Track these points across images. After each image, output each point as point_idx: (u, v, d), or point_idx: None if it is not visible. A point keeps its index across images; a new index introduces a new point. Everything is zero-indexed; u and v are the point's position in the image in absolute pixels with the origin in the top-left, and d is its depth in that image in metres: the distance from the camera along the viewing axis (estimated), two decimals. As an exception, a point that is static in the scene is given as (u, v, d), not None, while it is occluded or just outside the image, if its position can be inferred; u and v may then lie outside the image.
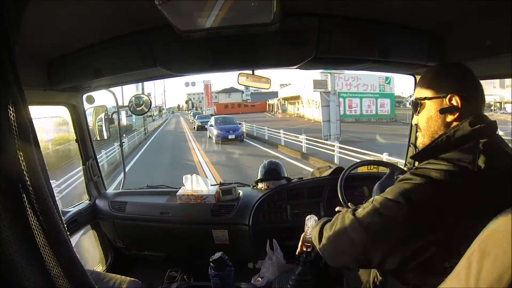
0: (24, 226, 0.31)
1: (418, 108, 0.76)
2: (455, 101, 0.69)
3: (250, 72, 1.31)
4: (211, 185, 1.76)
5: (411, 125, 1.66)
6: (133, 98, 1.80)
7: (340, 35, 1.08)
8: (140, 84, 19.24)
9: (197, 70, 1.23)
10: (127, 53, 1.14)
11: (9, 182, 0.31)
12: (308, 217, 1.08)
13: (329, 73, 11.58)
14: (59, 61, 1.21)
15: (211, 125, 13.87)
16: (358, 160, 1.68)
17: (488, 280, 0.45)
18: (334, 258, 0.79)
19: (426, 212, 0.64)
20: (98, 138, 1.70)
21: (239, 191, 1.73)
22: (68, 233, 0.36)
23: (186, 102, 65.29)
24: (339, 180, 1.42)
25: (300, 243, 1.11)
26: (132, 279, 1.32)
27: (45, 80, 1.23)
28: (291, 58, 1.14)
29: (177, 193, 1.69)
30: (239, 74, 1.34)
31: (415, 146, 1.61)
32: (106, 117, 1.67)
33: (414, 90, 1.67)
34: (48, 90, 1.28)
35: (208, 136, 14.32)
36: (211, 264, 1.12)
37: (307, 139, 9.02)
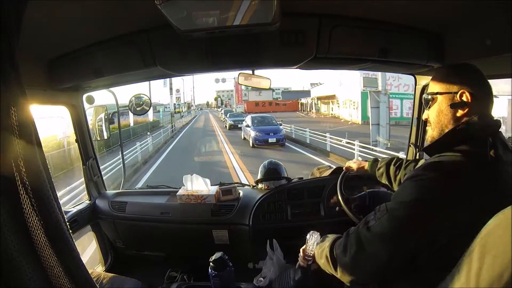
0: (25, 226, 0.31)
1: (430, 103, 0.79)
2: (466, 97, 0.72)
3: (250, 72, 1.31)
4: (212, 185, 1.76)
5: (411, 125, 1.66)
6: (133, 98, 1.80)
7: (340, 35, 1.08)
8: (168, 80, 18.53)
9: (197, 70, 1.23)
10: (127, 53, 1.14)
11: (10, 182, 0.31)
12: (310, 233, 1.05)
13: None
14: (59, 61, 1.21)
15: (247, 126, 11.95)
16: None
17: (489, 278, 0.45)
18: (357, 278, 0.75)
19: (445, 205, 0.64)
20: (98, 138, 1.70)
21: (239, 191, 1.73)
22: (70, 231, 0.36)
23: (215, 99, 65.25)
24: (339, 180, 1.42)
25: (301, 257, 1.07)
26: (132, 279, 1.32)
27: (45, 80, 1.23)
28: (291, 58, 1.14)
29: (177, 193, 1.69)
30: (239, 74, 1.34)
31: (415, 146, 1.61)
32: (106, 117, 1.67)
33: (415, 89, 1.67)
34: (48, 90, 1.28)
35: (242, 137, 12.78)
36: (211, 264, 1.12)
37: (360, 146, 7.81)
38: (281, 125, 12.36)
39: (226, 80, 29.29)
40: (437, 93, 0.77)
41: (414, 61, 1.20)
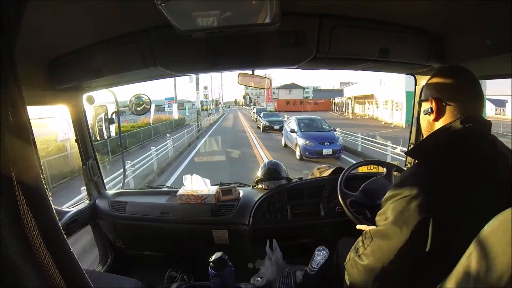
0: (21, 227, 0.31)
1: (419, 110, 0.84)
2: (433, 103, 0.76)
3: (250, 72, 1.31)
4: (211, 185, 1.76)
5: (411, 125, 1.66)
6: (133, 98, 1.80)
7: (340, 35, 1.08)
8: (194, 76, 17.21)
9: (197, 70, 1.24)
10: (127, 53, 1.14)
11: (7, 183, 0.31)
12: (319, 248, 1.05)
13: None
14: (59, 61, 1.21)
15: (292, 131, 9.04)
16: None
17: (487, 280, 0.45)
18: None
19: (426, 217, 0.64)
20: (98, 138, 1.69)
21: (239, 191, 1.73)
22: (65, 233, 0.36)
23: (244, 97, 65.54)
24: (339, 180, 1.42)
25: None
26: (132, 279, 1.32)
27: (45, 80, 1.23)
28: (291, 58, 1.14)
29: (177, 193, 1.69)
30: (239, 74, 1.34)
31: None
32: (106, 117, 1.67)
33: (415, 89, 1.67)
34: (48, 90, 1.28)
35: (283, 144, 10.08)
36: (211, 264, 1.12)
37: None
38: (335, 130, 9.69)
39: (257, 77, 27.98)
40: (420, 101, 0.82)
41: (414, 61, 1.20)
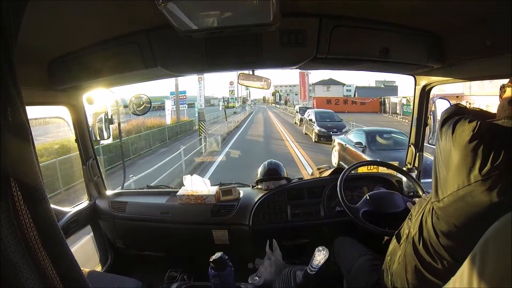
0: (20, 227, 0.32)
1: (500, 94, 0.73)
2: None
3: (250, 72, 1.31)
4: (212, 185, 1.76)
5: (411, 125, 1.66)
6: (133, 98, 1.80)
7: (340, 35, 1.08)
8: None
9: (197, 70, 1.24)
10: (127, 53, 1.14)
11: (5, 183, 0.31)
12: (319, 248, 1.05)
13: None
14: (59, 61, 1.22)
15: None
16: None
17: (491, 282, 0.45)
18: None
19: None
20: (98, 138, 1.70)
21: (239, 191, 1.73)
22: (65, 233, 0.37)
23: (273, 94, 63.45)
24: (339, 180, 1.42)
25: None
26: (132, 279, 1.32)
27: (45, 80, 1.23)
28: (291, 58, 1.14)
29: (177, 193, 1.69)
30: (239, 74, 1.34)
31: (415, 146, 1.62)
32: (106, 117, 1.67)
33: (415, 89, 1.66)
34: (48, 90, 1.28)
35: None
36: (211, 264, 1.12)
37: None
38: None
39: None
40: (504, 86, 0.69)
41: (414, 62, 1.20)
